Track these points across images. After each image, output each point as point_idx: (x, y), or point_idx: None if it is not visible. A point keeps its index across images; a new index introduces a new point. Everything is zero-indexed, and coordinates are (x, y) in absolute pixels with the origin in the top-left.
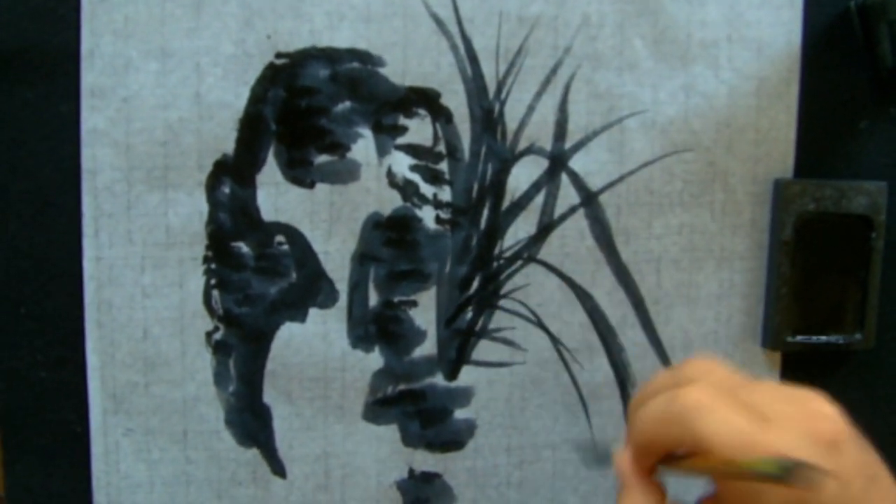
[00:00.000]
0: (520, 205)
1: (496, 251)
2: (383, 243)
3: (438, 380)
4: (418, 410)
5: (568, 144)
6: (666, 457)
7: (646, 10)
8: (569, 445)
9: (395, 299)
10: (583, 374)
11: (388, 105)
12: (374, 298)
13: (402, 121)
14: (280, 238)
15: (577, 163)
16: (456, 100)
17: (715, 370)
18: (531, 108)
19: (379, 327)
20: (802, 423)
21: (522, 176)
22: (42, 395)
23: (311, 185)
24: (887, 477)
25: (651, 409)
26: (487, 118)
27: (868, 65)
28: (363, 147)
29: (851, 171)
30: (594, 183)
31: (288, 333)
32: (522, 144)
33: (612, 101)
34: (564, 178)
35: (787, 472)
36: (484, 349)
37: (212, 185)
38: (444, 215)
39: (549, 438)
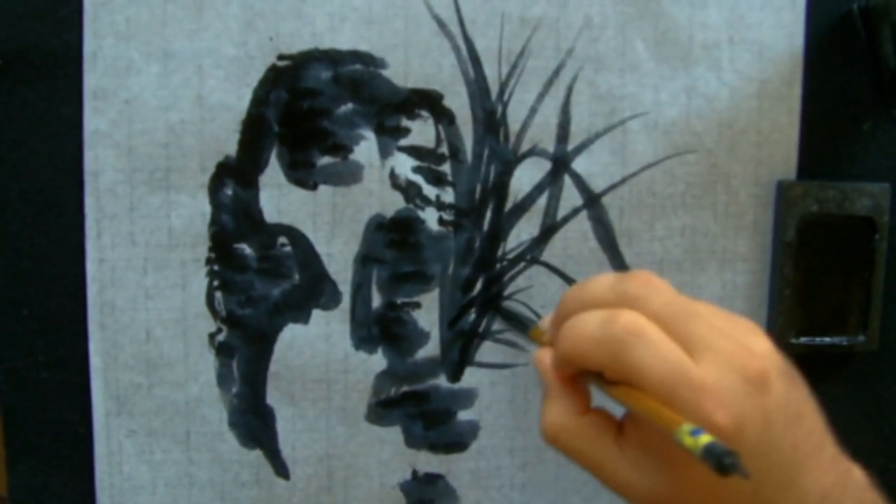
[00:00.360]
0: (522, 207)
1: (499, 253)
2: (386, 245)
3: (442, 381)
4: (421, 412)
5: (570, 146)
6: (592, 372)
7: (647, 12)
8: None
9: (398, 301)
10: None
11: (390, 107)
12: (377, 300)
13: (405, 122)
14: (283, 240)
15: (579, 164)
16: (458, 101)
17: (658, 289)
18: (533, 110)
19: (382, 329)
20: (734, 358)
21: (525, 178)
22: (45, 397)
23: (313, 187)
24: (814, 413)
25: (584, 325)
26: (490, 120)
27: (871, 67)
28: (366, 149)
29: (854, 173)
30: (596, 185)
31: (291, 335)
32: (525, 146)
33: (614, 103)
34: (567, 179)
35: (708, 456)
36: (487, 351)
37: (214, 187)
38: (447, 217)
39: None
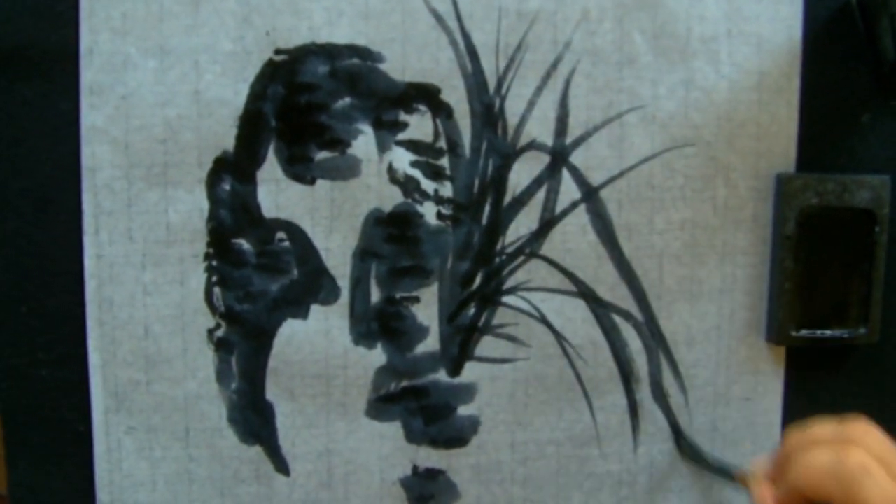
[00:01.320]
0: (521, 200)
1: (498, 247)
2: (384, 239)
3: (441, 376)
4: (421, 407)
5: (568, 140)
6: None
7: (645, 5)
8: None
9: (397, 295)
10: (586, 369)
11: (388, 101)
12: (375, 295)
13: (403, 116)
14: (281, 235)
15: (577, 158)
16: (456, 95)
17: (874, 434)
18: (531, 104)
19: (381, 324)
20: None
21: (523, 171)
22: (44, 394)
23: (311, 182)
24: None
25: (817, 461)
26: (488, 114)
27: (869, 58)
28: (363, 143)
29: (854, 165)
30: (595, 178)
31: (290, 330)
32: (523, 140)
33: (612, 96)
34: (565, 173)
35: None
36: (487, 345)
37: (212, 182)
38: (446, 211)
39: (553, 434)
